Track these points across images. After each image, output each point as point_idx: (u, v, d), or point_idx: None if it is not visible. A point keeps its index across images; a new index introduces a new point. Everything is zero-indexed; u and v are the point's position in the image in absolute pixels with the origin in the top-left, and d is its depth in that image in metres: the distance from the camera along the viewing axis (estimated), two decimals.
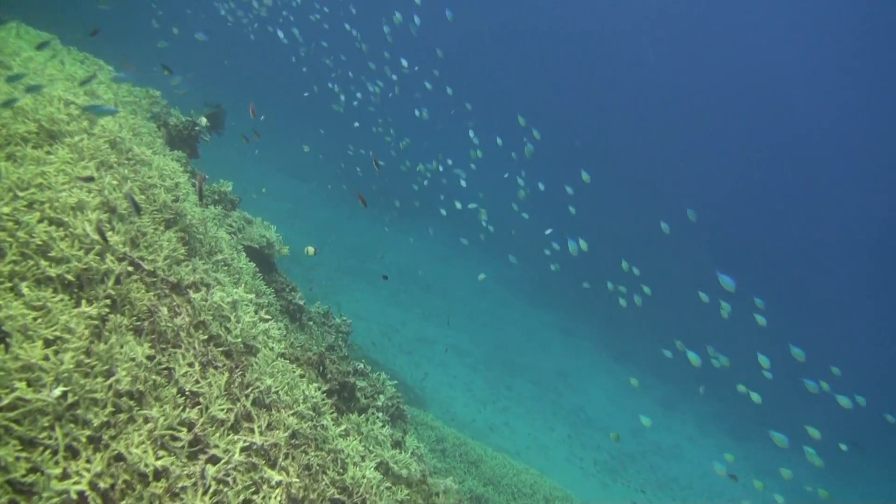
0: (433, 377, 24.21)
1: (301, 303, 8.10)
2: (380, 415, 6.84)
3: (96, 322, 3.70)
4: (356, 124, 25.88)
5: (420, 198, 29.76)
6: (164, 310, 4.40)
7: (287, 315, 7.74)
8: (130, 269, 4.27)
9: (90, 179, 4.19)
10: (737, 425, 31.70)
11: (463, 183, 20.11)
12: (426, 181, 26.17)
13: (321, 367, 5.73)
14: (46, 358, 3.23)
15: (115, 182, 4.62)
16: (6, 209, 3.83)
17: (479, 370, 27.35)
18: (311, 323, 8.22)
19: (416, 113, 17.73)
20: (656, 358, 23.52)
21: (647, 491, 22.86)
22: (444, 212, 23.01)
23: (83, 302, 3.74)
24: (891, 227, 63.50)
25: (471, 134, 17.66)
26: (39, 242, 3.76)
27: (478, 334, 30.19)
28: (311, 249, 8.21)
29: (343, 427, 4.90)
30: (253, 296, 5.38)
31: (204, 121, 8.72)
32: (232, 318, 4.86)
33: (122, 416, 3.50)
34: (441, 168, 22.40)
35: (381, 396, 7.09)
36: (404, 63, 16.91)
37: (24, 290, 3.49)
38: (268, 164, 35.02)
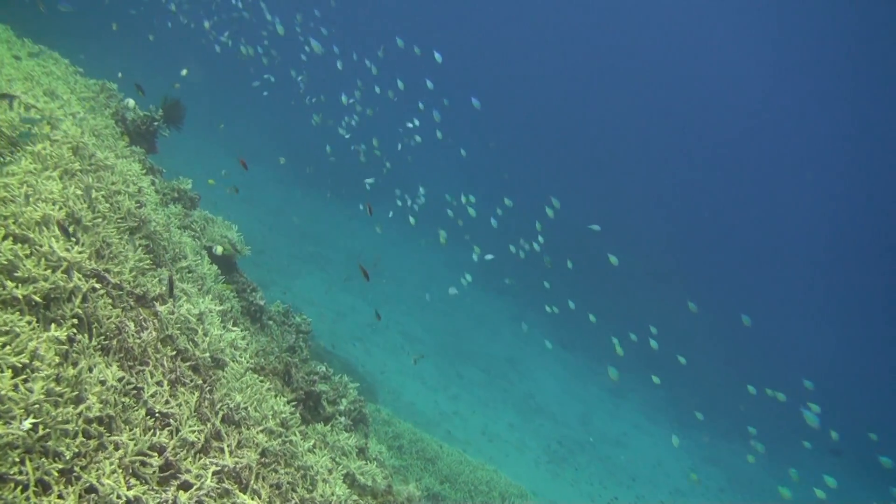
0: (384, 365, 24.18)
1: (262, 303, 8.00)
2: (342, 419, 6.81)
3: (65, 346, 3.60)
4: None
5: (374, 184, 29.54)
6: (131, 325, 4.30)
7: (248, 316, 7.64)
8: (97, 285, 4.16)
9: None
10: (684, 413, 32.36)
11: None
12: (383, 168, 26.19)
13: (287, 377, 5.68)
14: (16, 388, 3.13)
15: (79, 192, 4.49)
16: None
17: (430, 357, 27.41)
18: (270, 322, 8.13)
19: (399, 146, 17.59)
20: (604, 345, 23.91)
21: (595, 481, 23.27)
22: (399, 203, 23.10)
23: (51, 325, 3.63)
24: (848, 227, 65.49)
25: (466, 199, 17.70)
26: (5, 262, 3.63)
27: (429, 321, 30.22)
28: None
29: (312, 442, 4.87)
30: (218, 305, 5.30)
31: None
32: (199, 330, 4.78)
33: (92, 443, 3.41)
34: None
35: (343, 400, 7.07)
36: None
37: None
38: (220, 147, 34.35)
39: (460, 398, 24.81)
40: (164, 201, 7.21)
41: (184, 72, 13.32)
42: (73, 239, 4.09)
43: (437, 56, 14.67)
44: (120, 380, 3.84)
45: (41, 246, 3.88)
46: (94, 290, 4.11)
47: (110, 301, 4.25)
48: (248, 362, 4.82)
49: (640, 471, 25.85)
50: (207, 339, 4.73)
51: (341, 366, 18.78)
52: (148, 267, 4.83)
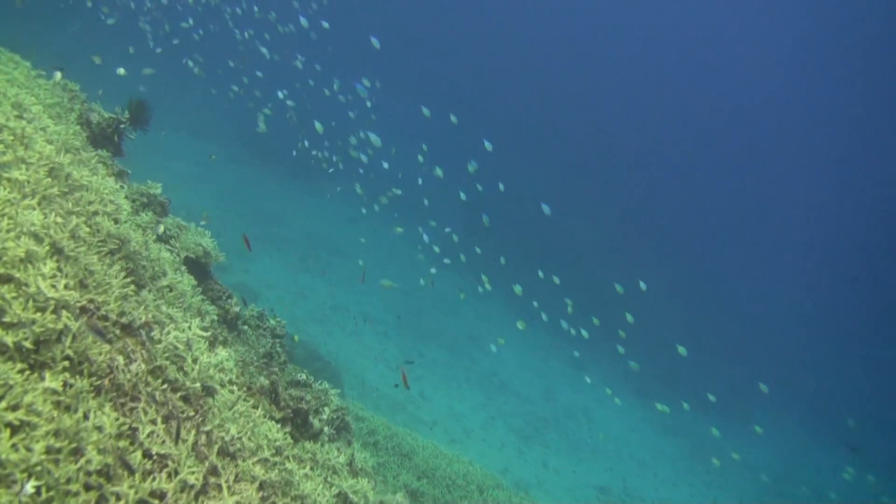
0: (346, 347, 24.06)
1: (237, 309, 7.83)
2: (326, 429, 6.74)
3: (61, 397, 3.45)
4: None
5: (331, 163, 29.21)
6: (121, 359, 4.14)
7: (225, 325, 7.48)
8: (88, 325, 4.00)
9: (102, 335, 3.90)
10: (645, 385, 32.93)
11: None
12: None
13: (274, 395, 5.58)
14: (16, 449, 2.99)
15: (60, 220, 4.30)
16: None
17: (392, 337, 27.37)
18: (245, 327, 7.97)
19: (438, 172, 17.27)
20: (564, 318, 24.16)
21: (559, 455, 23.60)
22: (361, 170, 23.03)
23: (45, 372, 3.46)
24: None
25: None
26: None
27: (389, 300, 30.12)
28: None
29: (307, 467, 4.79)
30: (200, 322, 5.14)
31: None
32: (188, 358, 4.64)
33: (93, 496, 3.29)
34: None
35: (325, 409, 6.99)
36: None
37: None
38: (169, 125, 33.47)
39: (424, 378, 24.86)
40: (134, 209, 6.98)
41: (147, 71, 12.95)
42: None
43: (488, 145, 14.70)
44: (115, 422, 3.71)
45: (28, 286, 3.70)
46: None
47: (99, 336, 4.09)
48: (239, 391, 4.69)
49: (603, 443, 26.29)
50: (197, 366, 4.60)
51: (305, 353, 18.64)
52: (132, 293, 4.67)
